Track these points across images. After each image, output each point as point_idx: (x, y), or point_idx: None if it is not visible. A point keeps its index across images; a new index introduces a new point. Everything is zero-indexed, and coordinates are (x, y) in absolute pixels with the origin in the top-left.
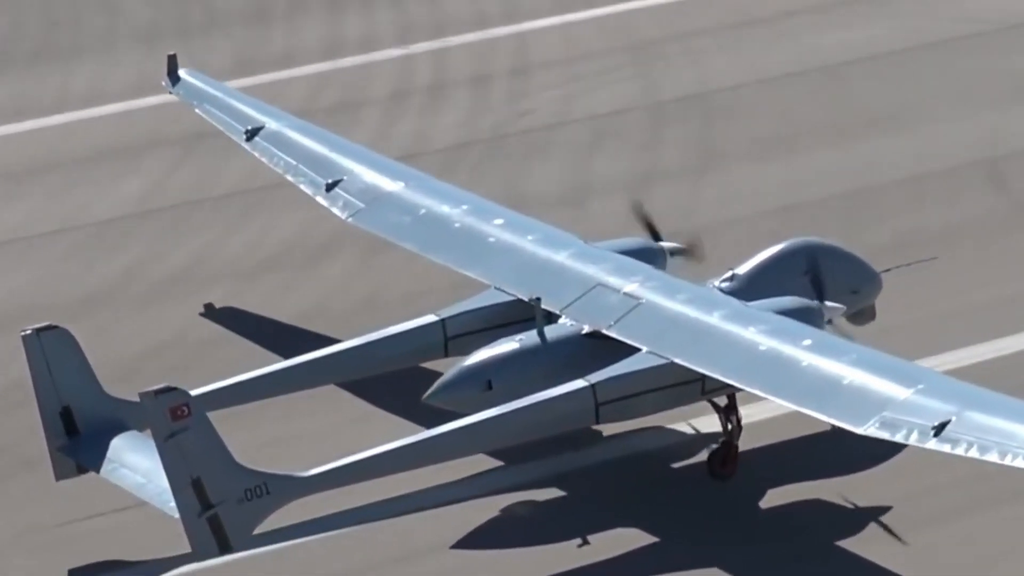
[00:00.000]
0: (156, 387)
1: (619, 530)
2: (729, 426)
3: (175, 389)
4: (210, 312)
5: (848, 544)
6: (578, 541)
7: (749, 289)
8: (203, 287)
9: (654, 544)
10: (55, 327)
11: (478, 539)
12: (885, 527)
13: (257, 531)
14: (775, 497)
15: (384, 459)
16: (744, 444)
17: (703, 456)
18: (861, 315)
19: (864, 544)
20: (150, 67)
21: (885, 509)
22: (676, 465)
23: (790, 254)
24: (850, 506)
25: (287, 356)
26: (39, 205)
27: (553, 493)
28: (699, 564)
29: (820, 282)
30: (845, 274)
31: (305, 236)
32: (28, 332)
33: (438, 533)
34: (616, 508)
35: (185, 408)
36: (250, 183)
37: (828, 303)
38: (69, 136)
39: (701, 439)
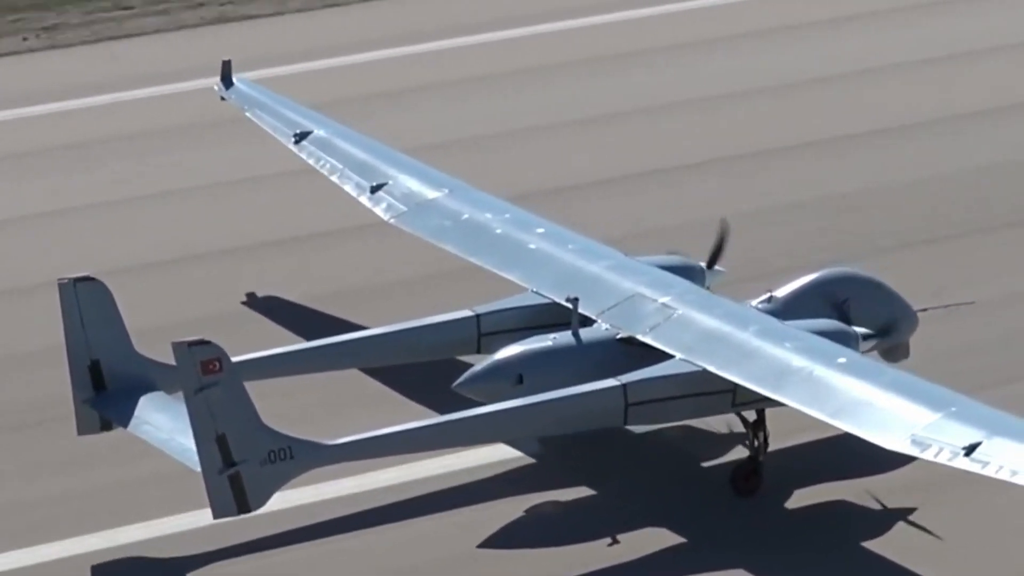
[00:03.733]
0: (190, 339)
1: (648, 530)
2: (756, 443)
3: (208, 343)
4: (252, 301)
5: (874, 545)
6: (607, 540)
7: (785, 312)
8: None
9: (681, 544)
10: (92, 279)
11: (506, 539)
12: (915, 525)
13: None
14: (802, 497)
15: (410, 436)
16: (772, 443)
17: (731, 457)
18: (895, 351)
19: (891, 544)
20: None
21: (912, 509)
22: (705, 464)
23: (829, 282)
24: (877, 506)
25: None
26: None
27: (582, 492)
28: (725, 565)
29: (858, 312)
30: (882, 308)
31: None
32: (65, 281)
33: (466, 533)
34: (645, 507)
35: (217, 363)
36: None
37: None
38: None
39: (731, 439)
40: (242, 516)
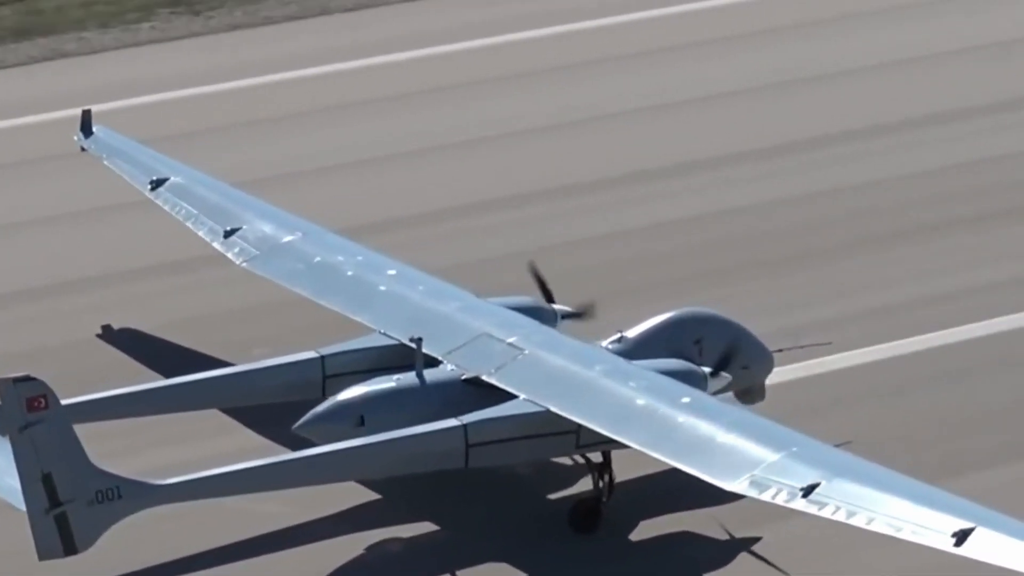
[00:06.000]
0: (14, 375)
1: (488, 565)
2: (601, 484)
3: (34, 379)
4: (107, 333)
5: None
6: None
7: (636, 352)
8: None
9: None
10: None
11: None
12: (758, 555)
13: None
14: (648, 528)
15: (244, 476)
16: (618, 474)
17: (579, 489)
18: (751, 392)
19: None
20: None
21: (756, 539)
22: (552, 497)
23: (681, 322)
24: (723, 535)
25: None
26: None
27: (425, 528)
28: None
29: (711, 352)
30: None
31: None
32: None
33: (302, 572)
34: (488, 542)
35: (42, 400)
36: None
37: (713, 371)
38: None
39: (579, 470)
40: (68, 557)
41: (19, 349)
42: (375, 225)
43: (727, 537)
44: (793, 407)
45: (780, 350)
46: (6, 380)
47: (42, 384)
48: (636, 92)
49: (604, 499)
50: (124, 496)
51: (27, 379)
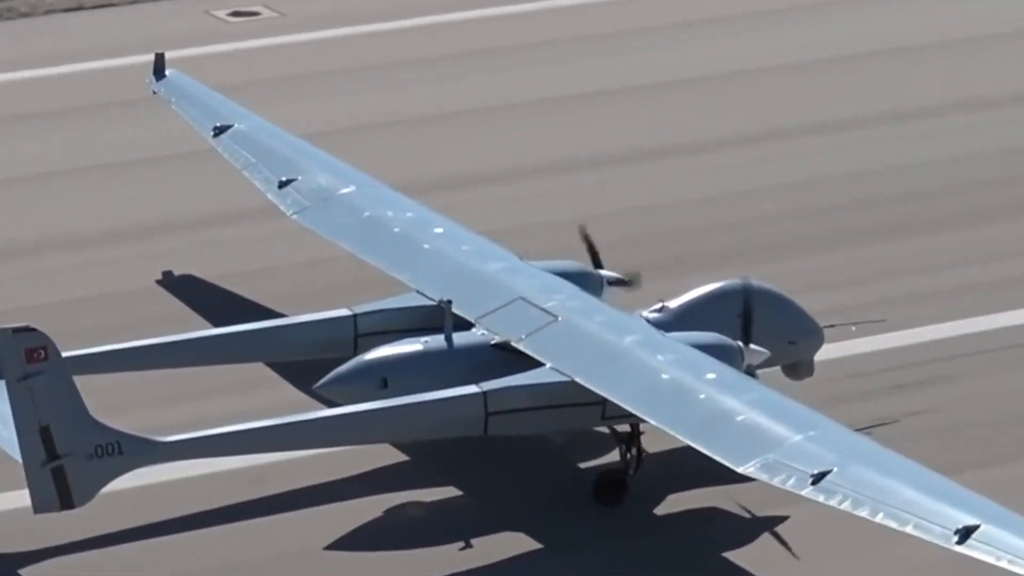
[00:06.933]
0: (14, 325)
1: (505, 534)
2: (628, 456)
3: (33, 330)
4: (167, 280)
5: (734, 555)
6: (460, 544)
7: (677, 322)
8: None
9: (536, 551)
10: None
11: (355, 539)
12: (778, 537)
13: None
14: (671, 504)
15: (250, 436)
16: (647, 445)
17: (608, 459)
18: (798, 368)
19: (750, 556)
20: None
21: (782, 518)
22: (580, 466)
23: (726, 294)
24: (746, 514)
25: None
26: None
27: (448, 492)
28: (574, 573)
29: (749, 325)
30: (783, 323)
31: None
32: None
33: (315, 533)
34: (507, 509)
35: (42, 351)
36: None
37: (752, 347)
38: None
39: (611, 439)
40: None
41: (81, 294)
42: (439, 182)
43: (753, 515)
44: (841, 385)
45: (831, 325)
46: (5, 330)
47: (42, 335)
48: (695, 62)
49: (631, 472)
50: (125, 452)
51: (27, 330)
